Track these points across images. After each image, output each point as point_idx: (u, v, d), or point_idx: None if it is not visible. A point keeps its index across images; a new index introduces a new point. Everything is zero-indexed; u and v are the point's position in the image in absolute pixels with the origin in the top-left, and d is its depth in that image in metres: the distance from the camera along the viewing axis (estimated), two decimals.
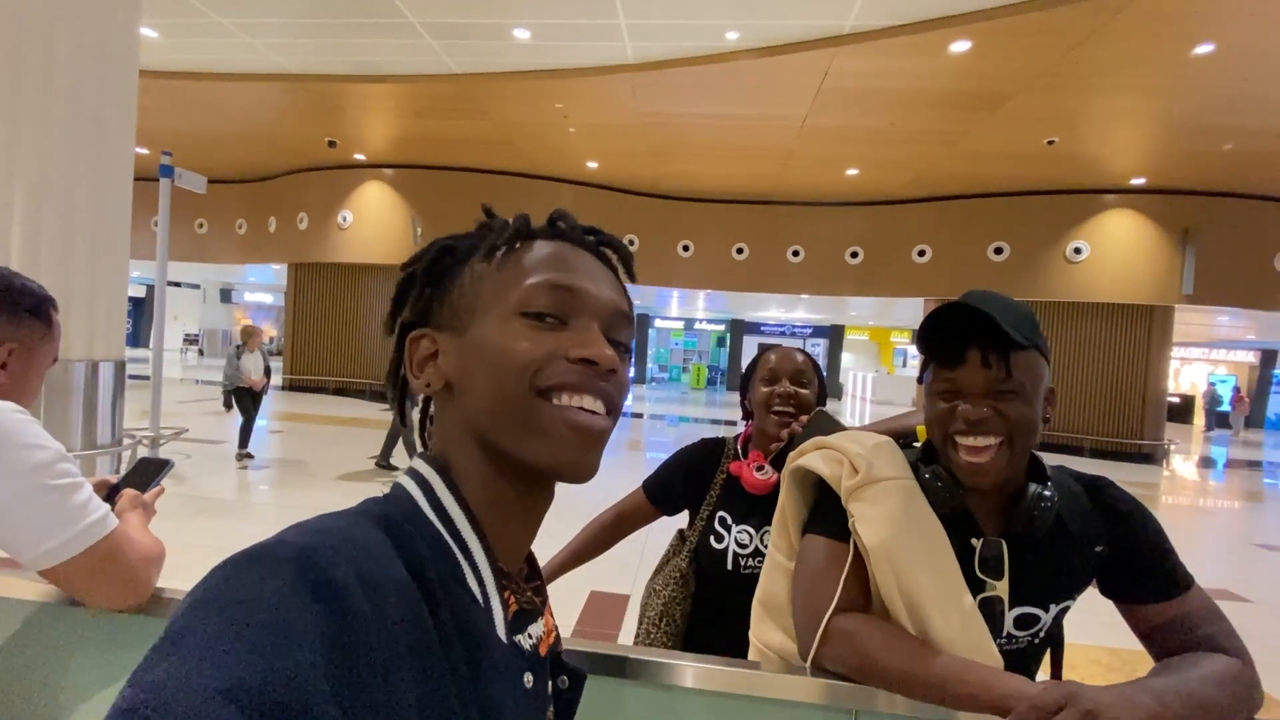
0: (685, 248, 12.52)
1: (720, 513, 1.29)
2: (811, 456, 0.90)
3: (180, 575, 0.79)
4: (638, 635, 1.34)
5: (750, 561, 1.25)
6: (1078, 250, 10.57)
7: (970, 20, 5.55)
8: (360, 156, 11.47)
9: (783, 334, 23.22)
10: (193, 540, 3.83)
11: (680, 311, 23.09)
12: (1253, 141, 7.84)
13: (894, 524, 0.78)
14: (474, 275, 0.48)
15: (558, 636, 0.51)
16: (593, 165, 10.88)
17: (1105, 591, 0.84)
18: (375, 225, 11.76)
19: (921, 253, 11.70)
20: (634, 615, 1.42)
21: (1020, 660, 0.82)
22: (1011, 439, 0.76)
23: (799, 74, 6.79)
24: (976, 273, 11.07)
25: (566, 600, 3.48)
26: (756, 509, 1.27)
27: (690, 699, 0.78)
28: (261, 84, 8.14)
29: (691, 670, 0.78)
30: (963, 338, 0.77)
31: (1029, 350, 0.76)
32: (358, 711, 0.30)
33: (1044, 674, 0.90)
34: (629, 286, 0.54)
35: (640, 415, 13.86)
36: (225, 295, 27.46)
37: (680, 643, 1.30)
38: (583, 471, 0.44)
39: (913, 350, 22.22)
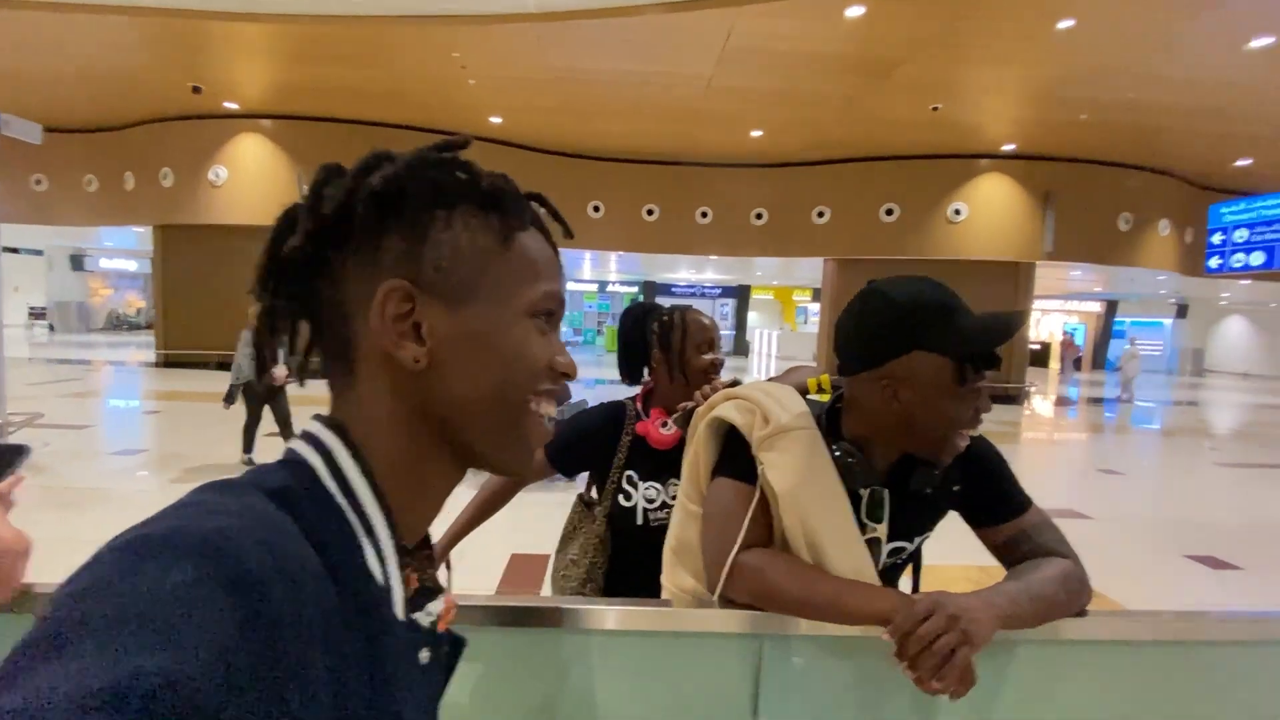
0: (596, 208, 12.37)
1: (628, 472, 1.34)
2: (725, 407, 0.96)
3: (47, 571, 0.73)
4: None
5: (658, 514, 1.31)
6: (958, 211, 11.42)
7: None
8: (232, 105, 10.37)
9: (693, 294, 23.70)
10: (57, 534, 3.47)
11: (593, 274, 22.99)
12: (1106, 113, 8.70)
13: (800, 472, 0.86)
14: (475, 243, 0.42)
15: (456, 612, 0.48)
16: (496, 121, 10.43)
17: (966, 520, 0.96)
18: (254, 182, 10.76)
19: (821, 214, 12.22)
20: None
21: (890, 581, 0.95)
22: None
23: (704, 32, 6.79)
24: (871, 233, 11.74)
25: (486, 565, 3.49)
26: (662, 465, 1.33)
27: (614, 641, 0.82)
28: (105, 17, 7.10)
29: (613, 614, 0.82)
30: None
31: None
32: (273, 717, 0.28)
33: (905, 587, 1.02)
34: None
35: None
36: (77, 262, 24.23)
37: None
38: (531, 474, 0.45)
39: (813, 308, 23.42)
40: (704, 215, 12.57)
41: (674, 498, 1.27)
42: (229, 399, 5.52)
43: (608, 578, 1.36)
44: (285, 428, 5.42)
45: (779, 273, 20.32)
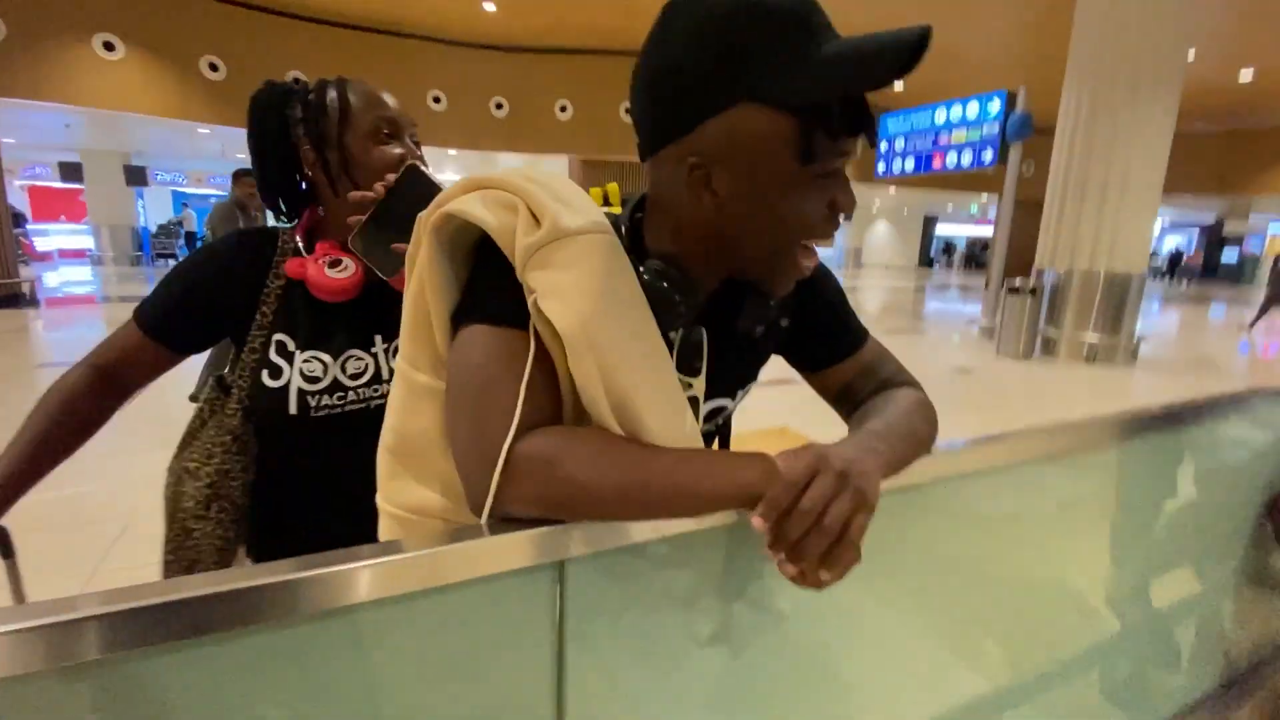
0: (297, 80, 10.07)
1: (278, 336, 0.87)
2: (468, 200, 0.57)
3: None
4: (166, 550, 0.90)
5: (326, 400, 0.88)
6: None
7: None
8: None
9: None
10: None
11: None
12: None
13: (595, 296, 0.53)
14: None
15: None
16: None
17: (792, 362, 0.76)
18: None
19: (564, 108, 11.73)
20: None
21: None
22: None
23: None
24: (615, 132, 11.67)
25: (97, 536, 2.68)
26: (332, 326, 0.90)
27: (320, 631, 0.45)
28: None
29: (305, 581, 0.43)
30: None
31: None
32: None
33: None
34: None
35: None
36: None
37: (246, 534, 0.93)
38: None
39: None
40: (436, 101, 11.15)
41: (355, 376, 0.89)
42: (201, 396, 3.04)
43: (255, 498, 0.92)
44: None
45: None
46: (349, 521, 0.88)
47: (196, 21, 9.14)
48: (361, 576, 0.44)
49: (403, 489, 0.65)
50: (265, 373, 0.87)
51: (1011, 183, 8.03)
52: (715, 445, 0.77)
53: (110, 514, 2.73)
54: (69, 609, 0.36)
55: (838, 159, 0.54)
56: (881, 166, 10.62)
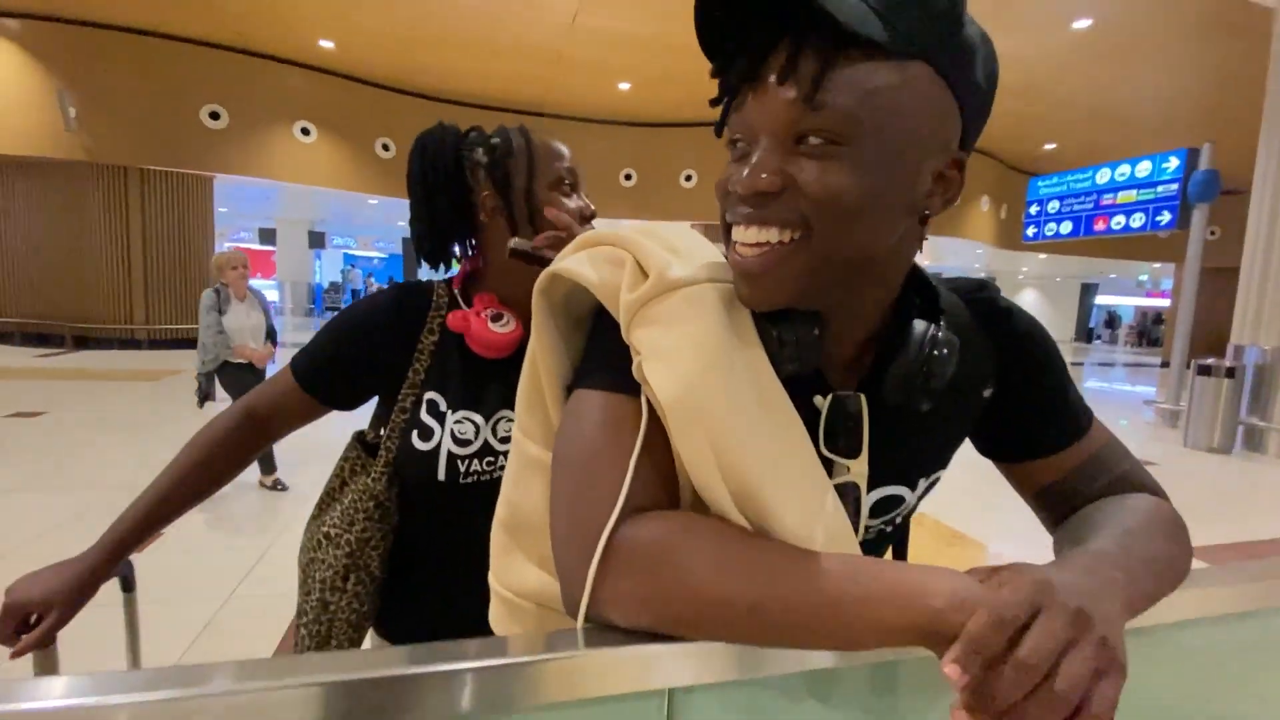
0: None
1: (429, 395, 0.83)
2: (574, 259, 0.52)
3: None
4: (301, 620, 0.86)
5: (475, 465, 0.82)
6: None
7: None
8: None
9: None
10: None
11: None
12: None
13: (704, 356, 0.43)
14: None
15: None
16: (328, 45, 9.00)
17: (985, 448, 0.59)
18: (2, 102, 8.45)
19: (689, 177, 12.11)
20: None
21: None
22: (810, 231, 0.42)
23: None
24: None
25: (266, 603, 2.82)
26: (488, 386, 0.84)
27: None
28: None
29: (402, 681, 0.36)
30: (767, 27, 0.42)
31: (894, 59, 0.40)
32: None
33: None
34: None
35: None
36: None
37: (376, 606, 0.87)
38: None
39: None
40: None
41: (505, 439, 0.83)
42: (206, 395, 3.68)
43: (392, 568, 0.86)
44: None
45: None
46: (480, 599, 0.82)
47: (373, 108, 10.57)
48: (454, 682, 0.37)
49: (512, 568, 0.57)
50: (415, 434, 0.82)
51: (1197, 247, 7.05)
52: (889, 555, 0.61)
53: (250, 540, 2.91)
54: (199, 680, 0.34)
55: (729, 125, 0.46)
56: (1031, 230, 9.78)
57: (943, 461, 0.56)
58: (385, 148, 10.82)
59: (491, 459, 0.83)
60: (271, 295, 20.62)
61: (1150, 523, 0.47)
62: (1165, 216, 7.47)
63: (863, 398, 0.49)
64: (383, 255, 23.97)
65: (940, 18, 0.41)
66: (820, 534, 0.42)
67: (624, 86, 10.02)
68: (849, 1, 0.39)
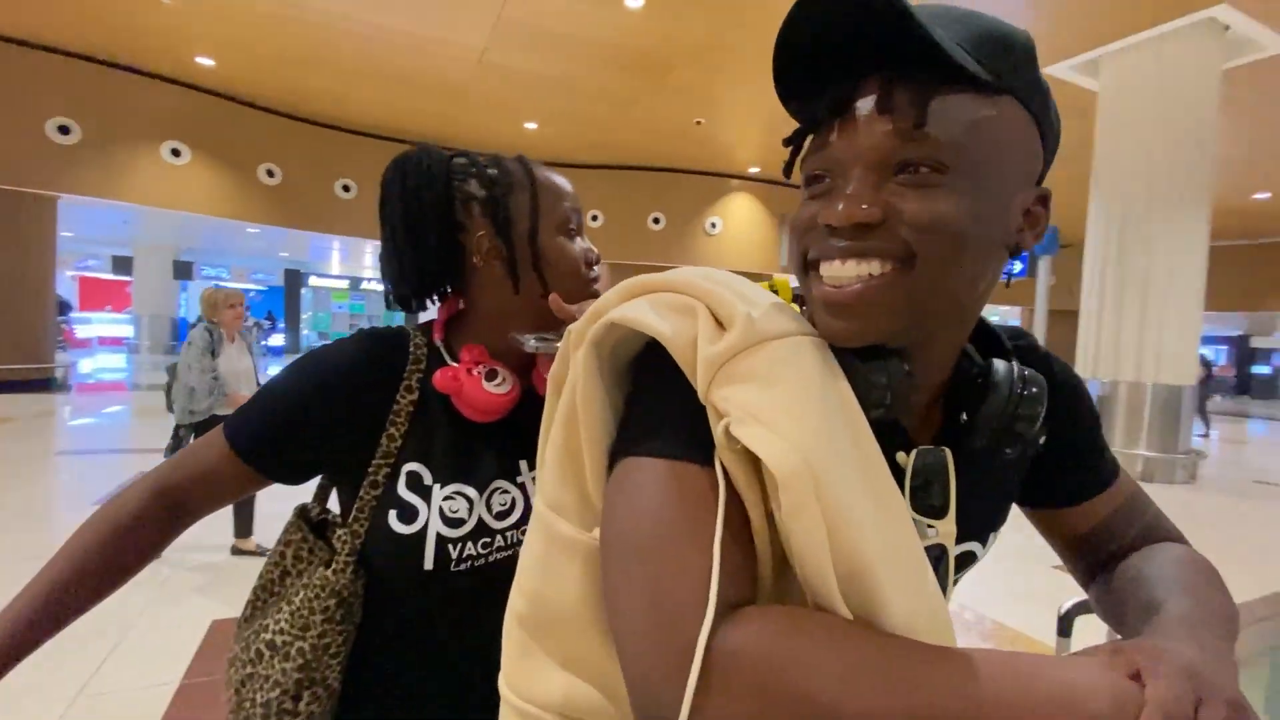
0: (346, 188, 10.72)
1: (410, 466, 0.69)
2: (633, 306, 0.45)
3: None
4: None
5: (469, 549, 0.70)
6: (714, 225, 12.43)
7: None
8: None
9: None
10: None
11: (343, 268, 20.24)
12: None
13: (814, 418, 0.39)
14: None
15: None
16: (207, 63, 8.34)
17: (1026, 495, 0.59)
18: None
19: (595, 217, 12.27)
20: None
21: None
22: (912, 261, 0.41)
23: None
24: (641, 239, 12.11)
25: (175, 637, 2.42)
26: (479, 454, 0.73)
27: None
28: None
29: None
30: (851, 67, 0.42)
31: (987, 93, 0.41)
32: None
33: None
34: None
35: None
36: None
37: None
38: None
39: None
40: None
41: (501, 515, 0.71)
42: (177, 443, 3.20)
43: (354, 684, 0.70)
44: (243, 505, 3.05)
45: None
46: (459, 708, 0.69)
47: (258, 131, 9.87)
48: None
49: (535, 674, 0.48)
50: (393, 514, 0.68)
51: (1044, 292, 8.09)
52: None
53: (104, 624, 2.49)
54: None
55: (812, 159, 0.45)
56: None
57: (1006, 514, 0.56)
58: (270, 173, 10.10)
59: (488, 540, 0.70)
60: (125, 330, 18.34)
61: (1203, 577, 0.48)
62: (1018, 266, 8.53)
63: (948, 452, 0.47)
64: (261, 288, 22.12)
65: (1024, 57, 0.43)
66: (925, 618, 0.38)
67: (530, 126, 10.06)
68: (946, 37, 0.39)
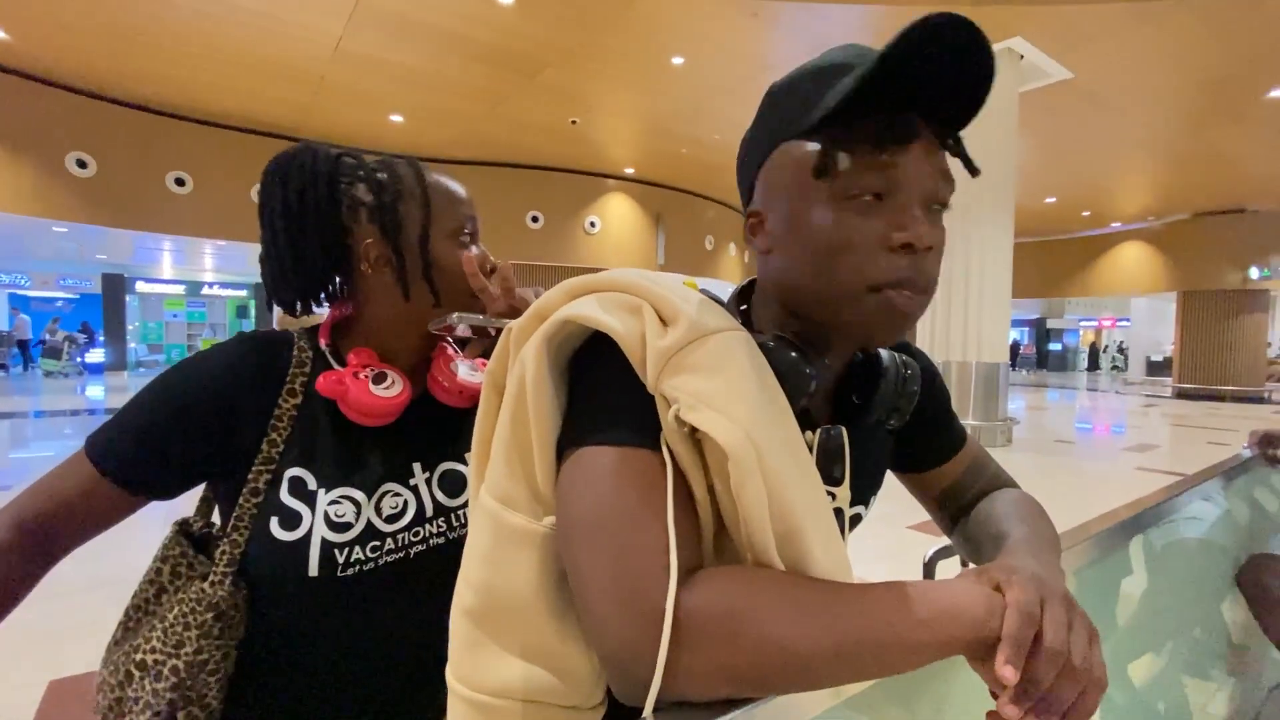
0: (180, 181, 9.52)
1: (292, 471, 0.68)
2: (582, 304, 0.50)
3: None
4: None
5: (357, 553, 0.69)
6: (593, 224, 12.53)
7: None
8: None
9: None
10: None
11: (177, 272, 17.90)
12: (699, 150, 10.55)
13: (753, 401, 0.46)
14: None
15: None
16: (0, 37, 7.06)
17: (897, 462, 0.72)
18: None
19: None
20: None
21: None
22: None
23: None
24: (519, 238, 11.93)
25: (8, 699, 2.10)
26: (366, 457, 0.73)
27: None
28: None
29: None
30: (911, 99, 0.48)
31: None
32: None
33: None
34: None
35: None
36: None
37: None
38: None
39: None
40: None
41: (392, 518, 0.72)
42: None
43: (235, 702, 0.69)
44: None
45: None
46: (374, 709, 0.70)
47: (66, 116, 8.52)
48: None
49: (487, 665, 0.50)
50: (275, 521, 0.67)
51: None
52: None
53: None
54: None
55: (867, 175, 0.48)
56: None
57: (882, 479, 0.69)
58: (82, 164, 8.74)
59: (377, 543, 0.70)
60: None
61: (1034, 511, 0.62)
62: None
63: (843, 429, 0.58)
64: (71, 296, 19.02)
65: None
66: (839, 567, 0.47)
67: (396, 119, 9.55)
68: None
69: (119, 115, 8.93)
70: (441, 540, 0.77)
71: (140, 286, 18.40)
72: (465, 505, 0.78)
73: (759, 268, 0.58)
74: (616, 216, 12.79)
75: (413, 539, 0.74)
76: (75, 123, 8.57)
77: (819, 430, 0.57)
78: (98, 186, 8.82)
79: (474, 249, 0.78)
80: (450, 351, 0.83)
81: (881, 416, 0.59)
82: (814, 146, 0.50)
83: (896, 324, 0.49)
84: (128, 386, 13.27)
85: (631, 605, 0.40)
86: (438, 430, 0.79)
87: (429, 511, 0.76)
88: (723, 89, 8.07)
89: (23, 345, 16.23)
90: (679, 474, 0.46)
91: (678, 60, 7.30)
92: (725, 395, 0.45)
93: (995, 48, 6.64)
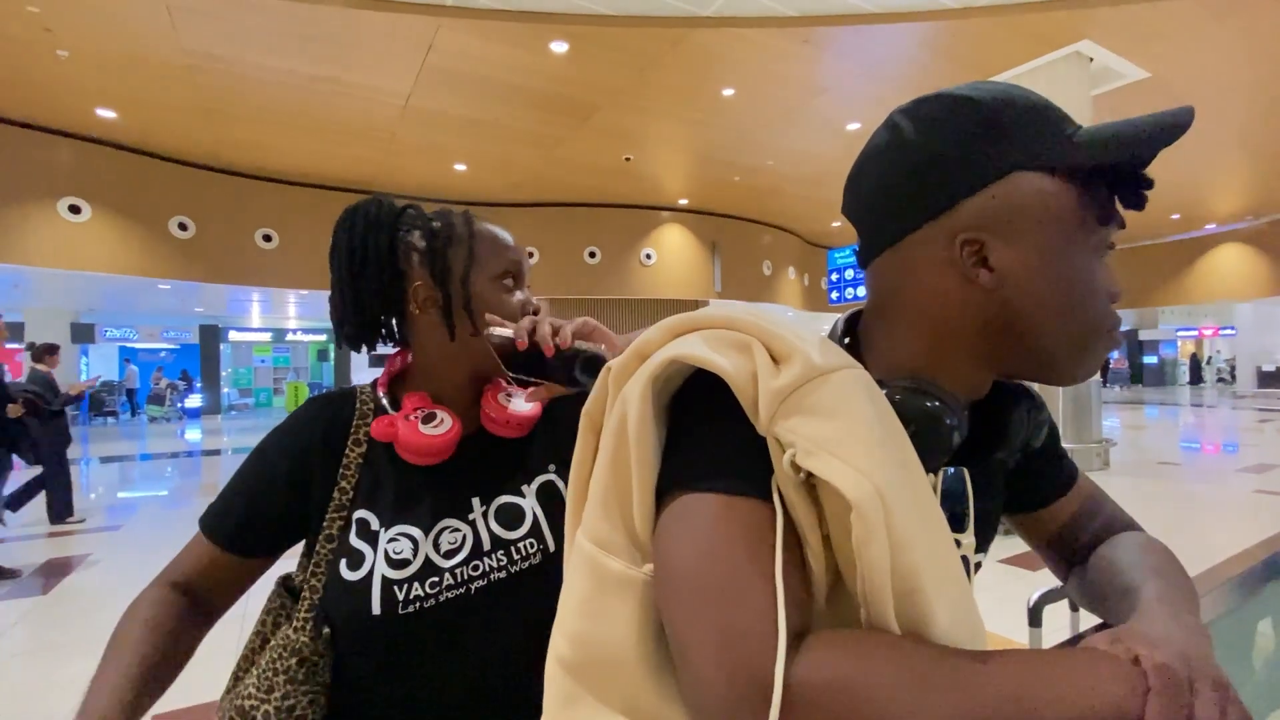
0: (267, 237, 10.30)
1: (359, 514, 0.72)
2: (688, 343, 0.46)
3: None
4: None
5: (416, 590, 0.70)
6: (649, 255, 12.66)
7: (567, 21, 5.86)
8: None
9: None
10: None
11: (264, 320, 19.26)
12: (750, 176, 10.56)
13: (878, 448, 0.42)
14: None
15: None
16: (108, 115, 7.92)
17: (1007, 505, 0.65)
18: None
19: (531, 254, 12.28)
20: None
21: None
22: None
23: (402, 40, 6.15)
24: (578, 274, 12.20)
25: None
26: (423, 496, 0.74)
27: None
28: None
29: None
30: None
31: None
32: None
33: None
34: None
35: (218, 453, 10.87)
36: None
37: None
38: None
39: None
40: None
41: (450, 553, 0.73)
42: None
43: None
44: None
45: None
46: None
47: (168, 184, 9.40)
48: None
49: (583, 715, 0.47)
50: (344, 563, 0.69)
51: None
52: None
53: None
54: None
55: (1116, 231, 0.51)
56: (835, 294, 11.30)
57: (999, 521, 0.63)
58: (183, 226, 9.60)
59: (435, 580, 0.71)
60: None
61: (1166, 560, 0.55)
62: None
63: (965, 470, 0.53)
64: (173, 346, 20.76)
65: None
66: (965, 629, 0.42)
67: (460, 168, 10.03)
68: None
69: (214, 180, 9.79)
70: (503, 574, 0.75)
71: (233, 335, 19.89)
72: (525, 538, 0.77)
73: (950, 289, 0.50)
74: (672, 247, 12.89)
75: (472, 573, 0.74)
76: (176, 190, 9.45)
77: (940, 472, 0.52)
78: (196, 246, 9.65)
79: (520, 294, 0.82)
80: (503, 384, 0.85)
81: (1011, 452, 0.53)
82: (1075, 191, 0.49)
83: (1098, 363, 0.51)
84: (221, 430, 14.26)
85: (736, 673, 0.36)
86: (494, 464, 0.81)
87: (486, 545, 0.75)
88: (774, 116, 8.08)
89: (130, 394, 17.77)
90: (789, 524, 0.42)
91: (728, 92, 7.37)
92: (848, 440, 0.41)
93: (1061, 52, 6.40)
